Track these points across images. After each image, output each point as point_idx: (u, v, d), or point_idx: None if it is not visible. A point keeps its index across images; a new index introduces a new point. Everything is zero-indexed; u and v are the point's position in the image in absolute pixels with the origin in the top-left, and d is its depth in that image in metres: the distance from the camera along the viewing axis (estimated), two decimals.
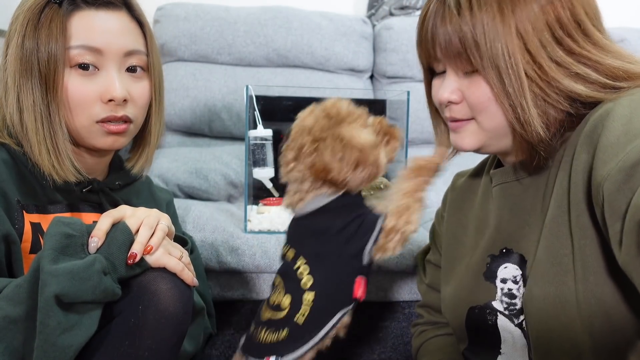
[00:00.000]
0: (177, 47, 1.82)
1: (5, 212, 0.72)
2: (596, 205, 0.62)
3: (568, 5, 0.67)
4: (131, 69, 0.83)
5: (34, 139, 0.76)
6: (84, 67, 0.78)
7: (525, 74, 0.66)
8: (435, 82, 0.78)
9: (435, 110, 0.82)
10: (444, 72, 0.75)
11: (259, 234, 1.27)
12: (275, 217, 1.32)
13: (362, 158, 0.76)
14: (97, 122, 0.80)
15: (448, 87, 0.73)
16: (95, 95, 0.79)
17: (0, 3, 1.54)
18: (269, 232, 1.29)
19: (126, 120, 0.82)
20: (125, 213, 0.70)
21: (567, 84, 0.66)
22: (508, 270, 0.76)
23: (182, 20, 1.82)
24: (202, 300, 0.94)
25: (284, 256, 0.85)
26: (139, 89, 0.85)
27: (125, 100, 0.81)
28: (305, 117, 0.80)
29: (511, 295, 0.76)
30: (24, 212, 0.76)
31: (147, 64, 0.86)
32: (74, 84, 0.78)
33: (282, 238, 1.26)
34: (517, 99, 0.67)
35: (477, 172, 0.91)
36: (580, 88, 0.66)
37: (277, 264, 1.24)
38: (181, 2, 1.88)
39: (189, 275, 0.71)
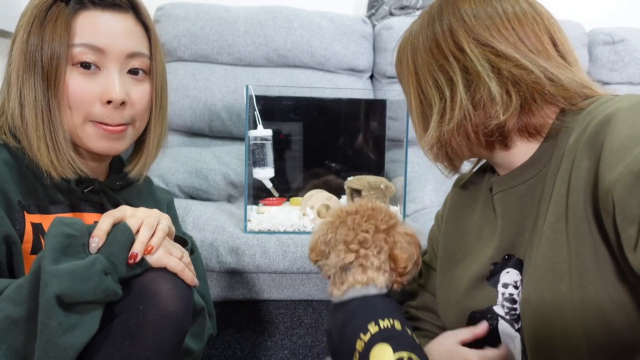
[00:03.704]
0: (177, 47, 1.82)
1: (6, 212, 0.72)
2: (604, 211, 0.62)
3: (449, 34, 0.77)
4: (133, 71, 0.83)
5: (33, 134, 0.76)
6: (85, 65, 0.78)
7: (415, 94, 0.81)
8: None
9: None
10: None
11: (259, 234, 1.27)
12: (275, 217, 1.32)
13: (418, 260, 0.83)
14: (91, 121, 0.80)
15: None
16: (95, 95, 0.79)
17: (0, 3, 1.54)
18: (269, 232, 1.29)
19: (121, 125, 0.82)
20: (126, 213, 0.71)
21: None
22: (510, 276, 0.77)
23: (182, 20, 1.82)
24: (203, 300, 0.94)
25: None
26: (139, 92, 0.84)
27: (123, 103, 0.81)
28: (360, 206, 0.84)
29: (512, 300, 0.77)
30: (24, 212, 0.76)
31: (150, 67, 0.85)
32: (75, 82, 0.78)
33: (282, 238, 1.27)
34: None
35: (478, 178, 0.92)
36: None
37: (276, 264, 1.24)
38: (181, 2, 1.88)
39: (189, 275, 0.71)
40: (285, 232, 1.29)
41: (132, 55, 0.82)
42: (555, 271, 0.67)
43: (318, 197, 1.31)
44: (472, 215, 0.88)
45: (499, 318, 0.78)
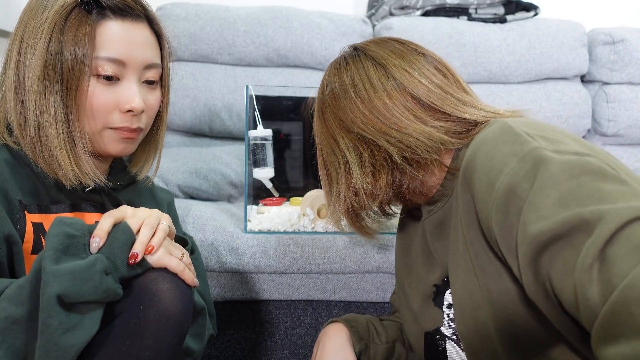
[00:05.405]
0: (177, 47, 1.82)
1: (6, 212, 0.72)
2: (494, 245, 0.63)
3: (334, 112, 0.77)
4: (148, 81, 0.85)
5: (55, 142, 0.76)
6: (107, 77, 0.79)
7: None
8: None
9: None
10: None
11: (259, 234, 1.27)
12: (275, 217, 1.32)
13: None
14: (110, 127, 0.81)
15: None
16: (115, 104, 0.80)
17: (0, 3, 1.54)
18: (269, 232, 1.29)
19: (138, 129, 0.84)
20: (127, 213, 0.71)
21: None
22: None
23: (182, 20, 1.82)
24: (203, 300, 0.95)
25: None
26: (153, 100, 0.86)
27: (142, 111, 0.83)
28: None
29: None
30: (25, 212, 0.76)
31: (162, 76, 0.87)
32: (96, 92, 0.79)
33: (282, 238, 1.27)
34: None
35: None
36: None
37: (276, 264, 1.25)
38: (181, 2, 1.88)
39: (189, 276, 0.71)
40: (285, 232, 1.29)
41: (149, 67, 0.83)
42: (473, 300, 0.68)
43: (318, 197, 1.31)
44: (415, 236, 0.88)
45: (447, 339, 0.78)
